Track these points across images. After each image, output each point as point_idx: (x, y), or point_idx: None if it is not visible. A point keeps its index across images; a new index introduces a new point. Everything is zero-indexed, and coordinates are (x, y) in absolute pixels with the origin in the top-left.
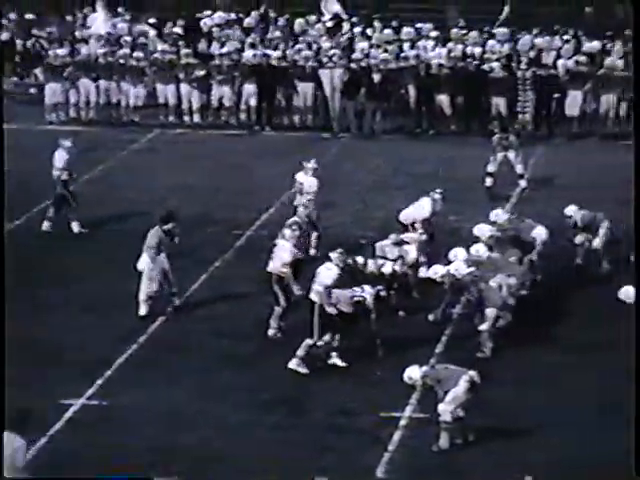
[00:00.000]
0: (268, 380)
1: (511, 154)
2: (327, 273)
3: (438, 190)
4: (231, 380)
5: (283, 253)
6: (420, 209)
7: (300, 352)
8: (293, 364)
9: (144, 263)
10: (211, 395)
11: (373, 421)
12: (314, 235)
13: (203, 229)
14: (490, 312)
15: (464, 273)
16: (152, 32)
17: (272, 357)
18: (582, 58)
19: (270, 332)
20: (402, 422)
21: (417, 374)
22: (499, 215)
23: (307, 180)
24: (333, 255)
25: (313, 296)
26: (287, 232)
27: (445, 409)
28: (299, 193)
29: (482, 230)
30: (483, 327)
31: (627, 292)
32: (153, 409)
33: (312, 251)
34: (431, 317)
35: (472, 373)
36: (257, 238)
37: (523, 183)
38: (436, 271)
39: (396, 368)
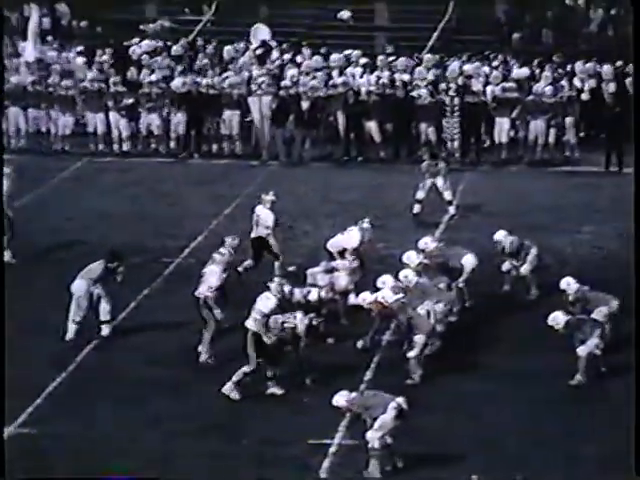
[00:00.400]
0: (198, 408)
1: (439, 181)
2: (265, 302)
3: (366, 219)
4: (162, 408)
5: (211, 277)
6: (349, 239)
7: (235, 378)
8: (226, 389)
9: (78, 289)
10: (141, 423)
11: (303, 448)
12: (276, 265)
13: (132, 257)
14: (419, 339)
15: (392, 300)
16: (80, 60)
17: (203, 384)
18: (510, 85)
19: (202, 358)
20: (331, 449)
21: (344, 401)
22: (428, 242)
23: (263, 212)
24: (272, 285)
25: (249, 324)
26: (217, 257)
27: (373, 436)
28: (255, 225)
29: (411, 257)
30: (412, 354)
31: (556, 318)
32: (83, 438)
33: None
34: (360, 344)
35: (399, 400)
36: (186, 266)
37: (452, 210)
38: (364, 298)
39: (325, 395)
